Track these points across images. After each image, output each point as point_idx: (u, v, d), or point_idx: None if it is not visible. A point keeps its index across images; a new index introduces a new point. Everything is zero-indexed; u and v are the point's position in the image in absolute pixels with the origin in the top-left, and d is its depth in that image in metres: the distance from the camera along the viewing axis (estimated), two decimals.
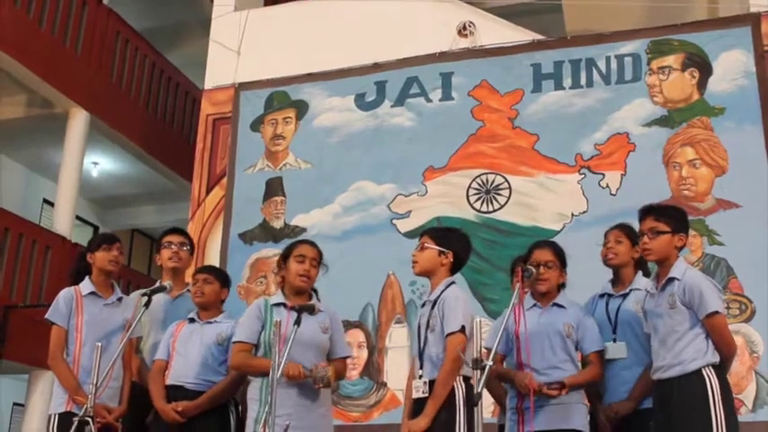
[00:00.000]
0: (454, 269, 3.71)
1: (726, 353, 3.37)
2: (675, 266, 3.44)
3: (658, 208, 3.60)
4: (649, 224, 3.49)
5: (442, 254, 3.65)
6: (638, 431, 3.54)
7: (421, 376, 3.54)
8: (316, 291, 3.90)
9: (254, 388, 3.70)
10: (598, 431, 3.68)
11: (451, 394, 3.41)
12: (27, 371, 8.54)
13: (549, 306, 3.76)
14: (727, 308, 6.05)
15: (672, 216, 3.53)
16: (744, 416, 5.65)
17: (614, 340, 3.75)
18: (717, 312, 3.33)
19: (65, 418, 3.81)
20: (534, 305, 3.78)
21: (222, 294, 4.20)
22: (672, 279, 3.42)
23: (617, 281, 3.89)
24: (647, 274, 3.88)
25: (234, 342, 3.78)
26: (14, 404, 10.60)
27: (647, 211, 3.54)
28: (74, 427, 3.50)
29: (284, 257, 3.87)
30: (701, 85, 6.83)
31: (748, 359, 5.99)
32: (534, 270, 3.65)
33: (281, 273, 3.96)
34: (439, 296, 3.59)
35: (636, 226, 3.69)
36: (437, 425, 3.37)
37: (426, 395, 3.45)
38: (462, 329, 3.44)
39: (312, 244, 3.89)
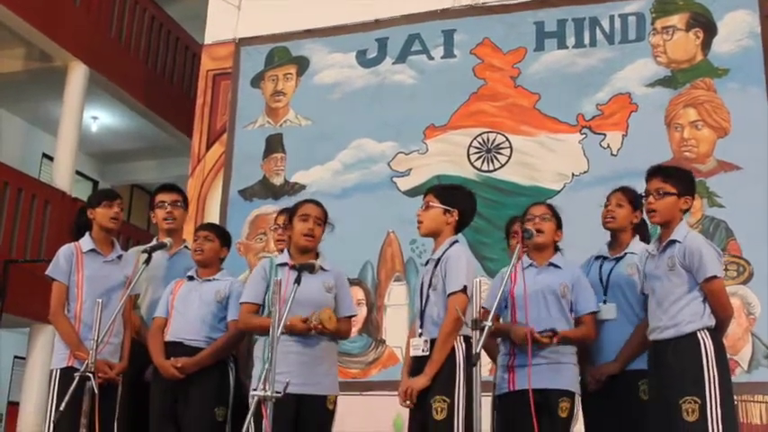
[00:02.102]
0: (459, 227, 3.67)
1: (722, 317, 3.36)
2: (677, 229, 3.42)
3: (666, 169, 3.55)
4: (656, 185, 3.45)
5: (447, 212, 3.61)
6: (625, 392, 3.56)
7: (421, 334, 3.53)
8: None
9: (260, 346, 3.69)
10: (586, 393, 3.68)
11: (452, 354, 3.40)
12: (27, 325, 8.57)
13: (544, 266, 3.73)
14: (726, 270, 6.05)
15: (679, 178, 3.49)
16: (739, 376, 5.69)
17: (604, 302, 3.74)
18: (715, 277, 3.32)
19: (66, 373, 3.80)
20: (530, 265, 3.75)
21: (222, 252, 4.19)
22: (673, 242, 3.40)
23: (614, 244, 3.87)
24: (644, 240, 3.86)
25: (240, 303, 3.79)
26: (15, 357, 10.65)
27: (654, 172, 3.50)
28: (75, 383, 3.50)
29: (289, 217, 3.85)
30: (706, 45, 6.79)
31: (745, 321, 6.03)
32: (534, 232, 3.62)
33: (286, 232, 3.94)
34: (442, 255, 3.56)
35: (637, 187, 3.69)
36: (437, 384, 3.38)
37: (426, 353, 3.44)
38: (464, 289, 3.42)
39: (316, 203, 3.86)
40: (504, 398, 3.61)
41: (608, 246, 3.89)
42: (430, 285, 3.56)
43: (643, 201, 3.54)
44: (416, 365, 3.49)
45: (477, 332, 2.95)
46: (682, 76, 6.77)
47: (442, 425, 3.33)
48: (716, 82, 6.66)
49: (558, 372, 3.56)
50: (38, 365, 8.28)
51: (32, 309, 7.75)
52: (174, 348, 3.95)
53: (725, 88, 6.63)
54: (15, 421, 8.32)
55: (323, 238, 3.84)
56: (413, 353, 3.55)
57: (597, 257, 3.89)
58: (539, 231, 3.68)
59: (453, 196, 3.68)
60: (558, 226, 3.80)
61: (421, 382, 3.39)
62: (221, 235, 4.23)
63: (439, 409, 3.34)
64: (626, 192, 3.85)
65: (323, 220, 3.81)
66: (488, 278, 6.03)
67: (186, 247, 4.42)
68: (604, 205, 3.88)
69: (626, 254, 3.78)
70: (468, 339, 3.42)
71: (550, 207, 3.83)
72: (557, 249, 3.82)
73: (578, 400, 3.58)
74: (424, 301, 3.58)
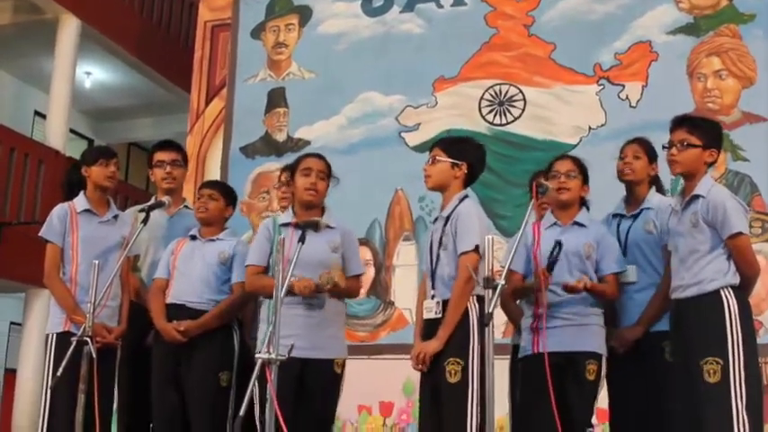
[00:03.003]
0: (468, 181, 3.57)
1: (748, 274, 3.27)
2: (701, 183, 3.32)
3: (692, 119, 3.45)
4: (681, 135, 3.34)
5: (455, 166, 3.51)
6: (649, 354, 3.49)
7: (433, 296, 3.45)
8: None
9: (265, 309, 3.65)
10: (611, 356, 3.58)
11: (465, 315, 3.32)
12: (23, 289, 8.45)
13: (569, 225, 3.63)
14: (750, 227, 5.87)
15: (706, 130, 3.38)
16: (763, 337, 5.52)
17: None
18: (741, 233, 3.24)
19: (63, 338, 3.74)
20: (554, 224, 3.66)
21: (227, 212, 4.07)
22: (696, 196, 3.30)
23: (630, 199, 3.78)
24: (660, 191, 3.78)
25: (246, 266, 3.70)
26: (11, 323, 10.63)
27: (680, 122, 3.39)
28: (72, 347, 3.45)
29: (291, 173, 3.75)
30: None
31: None
32: (549, 186, 3.48)
33: (288, 189, 3.85)
34: (452, 212, 3.46)
35: (658, 140, 3.59)
36: (450, 347, 3.30)
37: (439, 316, 3.37)
38: (476, 249, 3.33)
39: (318, 156, 3.77)
40: (528, 360, 3.54)
41: (624, 201, 3.79)
42: (440, 244, 3.48)
43: (665, 151, 3.41)
44: (429, 328, 3.42)
45: (490, 291, 2.87)
46: (705, 23, 6.55)
47: (456, 388, 3.28)
48: (741, 29, 6.43)
49: (585, 333, 3.50)
50: (35, 331, 8.15)
51: (28, 272, 7.59)
52: (176, 311, 3.85)
53: (751, 35, 6.40)
54: (13, 389, 8.23)
55: (328, 192, 3.73)
56: (426, 315, 3.46)
57: (615, 215, 3.78)
58: (564, 189, 3.58)
59: (461, 149, 3.58)
60: (585, 181, 3.68)
61: (434, 345, 3.33)
62: (226, 193, 4.10)
63: (453, 372, 3.29)
64: (642, 143, 3.76)
65: (326, 173, 3.70)
66: (501, 236, 5.95)
67: (187, 206, 4.32)
68: (619, 158, 3.77)
69: (642, 210, 3.68)
70: (481, 299, 3.31)
71: (577, 161, 3.71)
72: (583, 204, 3.70)
73: (605, 362, 3.50)
74: (434, 261, 3.50)
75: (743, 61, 6.37)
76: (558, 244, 3.41)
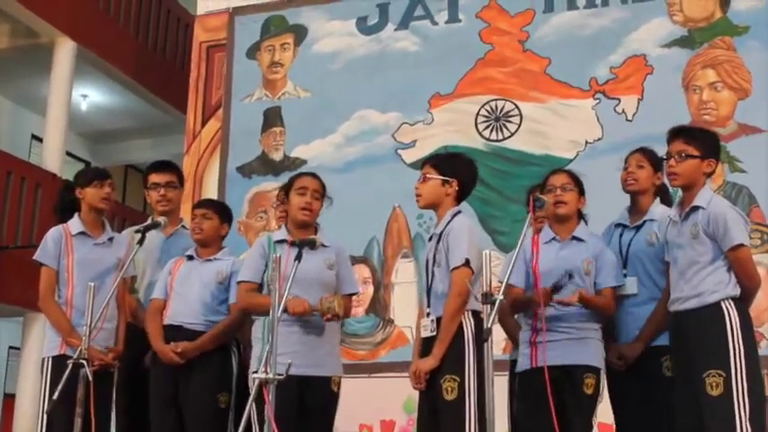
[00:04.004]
0: (460, 198, 3.56)
1: (749, 286, 3.24)
2: (701, 194, 3.28)
3: (689, 130, 3.43)
4: (678, 147, 3.31)
5: (446, 183, 3.50)
6: (647, 368, 3.45)
7: (428, 314, 3.44)
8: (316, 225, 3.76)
9: (258, 326, 3.60)
10: (609, 370, 3.54)
11: (460, 330, 3.30)
12: (21, 313, 8.43)
13: (567, 239, 3.60)
14: (749, 238, 5.86)
15: (703, 140, 3.35)
16: (764, 349, 5.51)
17: (624, 275, 3.61)
18: (742, 245, 3.20)
19: (59, 362, 3.68)
20: (553, 239, 3.62)
21: (222, 230, 4.02)
22: (696, 208, 3.26)
23: (634, 209, 3.73)
24: (666, 202, 3.73)
25: (238, 282, 3.67)
26: (10, 347, 10.59)
27: (676, 133, 3.36)
28: (68, 370, 3.39)
29: (286, 191, 3.74)
30: (725, 2, 6.59)
31: None
32: (546, 200, 3.47)
33: (283, 207, 3.83)
34: (444, 228, 3.45)
35: (656, 151, 3.60)
36: (446, 364, 3.29)
37: (434, 333, 3.35)
38: (467, 263, 3.31)
39: (313, 175, 3.76)
40: (526, 374, 3.50)
41: (628, 211, 3.75)
42: (434, 262, 3.47)
43: (664, 163, 3.40)
44: (426, 346, 3.41)
45: (488, 306, 2.82)
46: (699, 36, 6.59)
47: (453, 405, 3.25)
48: (735, 40, 6.48)
49: (583, 346, 3.46)
50: (33, 355, 8.10)
51: (26, 296, 7.52)
52: (174, 332, 3.82)
53: (745, 47, 6.44)
54: (12, 414, 8.16)
55: (321, 212, 3.72)
56: (422, 334, 3.45)
57: (617, 225, 3.75)
58: (561, 203, 3.56)
59: (451, 166, 3.58)
60: (581, 193, 3.65)
61: (429, 363, 3.31)
62: (220, 211, 4.06)
63: (449, 389, 3.27)
64: (646, 152, 3.72)
65: (321, 193, 3.69)
66: (499, 252, 5.91)
67: (184, 226, 4.28)
68: (623, 168, 3.74)
69: (645, 221, 3.64)
70: (476, 314, 3.31)
71: (571, 175, 3.68)
72: (581, 217, 3.67)
73: (603, 375, 3.46)
74: (429, 279, 3.50)
75: (738, 73, 6.40)
76: (569, 275, 3.39)
